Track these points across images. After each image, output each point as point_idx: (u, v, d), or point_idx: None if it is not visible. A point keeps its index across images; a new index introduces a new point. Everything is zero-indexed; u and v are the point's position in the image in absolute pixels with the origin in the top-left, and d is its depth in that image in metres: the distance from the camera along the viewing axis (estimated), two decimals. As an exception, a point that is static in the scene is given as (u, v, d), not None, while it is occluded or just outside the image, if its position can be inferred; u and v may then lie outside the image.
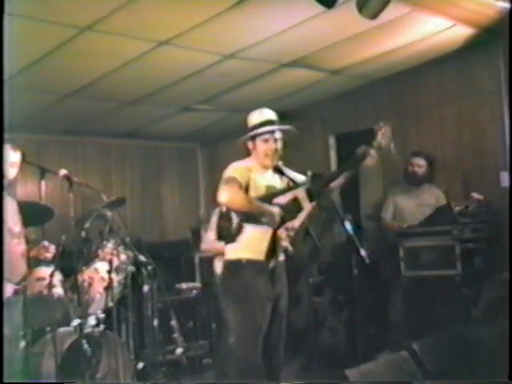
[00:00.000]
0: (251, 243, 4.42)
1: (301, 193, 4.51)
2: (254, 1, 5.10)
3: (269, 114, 4.69)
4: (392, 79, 7.59)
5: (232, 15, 5.30)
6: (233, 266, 4.50)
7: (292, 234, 4.45)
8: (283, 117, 4.82)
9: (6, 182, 4.53)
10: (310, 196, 4.50)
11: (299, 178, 4.67)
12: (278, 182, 4.65)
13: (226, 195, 4.40)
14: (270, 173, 4.63)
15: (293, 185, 4.63)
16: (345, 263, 6.68)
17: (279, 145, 4.60)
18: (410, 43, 6.52)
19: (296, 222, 4.46)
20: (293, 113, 8.51)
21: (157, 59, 6.10)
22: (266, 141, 4.57)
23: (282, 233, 4.44)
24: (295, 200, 4.49)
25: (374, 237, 7.38)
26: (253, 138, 4.60)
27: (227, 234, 4.51)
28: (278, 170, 4.68)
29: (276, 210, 4.38)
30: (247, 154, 4.67)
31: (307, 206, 4.49)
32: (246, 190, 4.45)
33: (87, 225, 5.38)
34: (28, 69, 5.84)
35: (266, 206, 4.40)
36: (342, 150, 8.55)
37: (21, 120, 6.91)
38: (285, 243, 4.46)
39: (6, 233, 4.30)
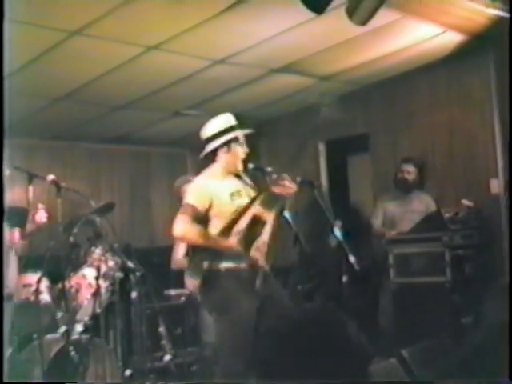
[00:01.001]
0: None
1: (257, 208, 4.48)
2: (243, 6, 5.10)
3: (229, 118, 4.70)
4: (383, 85, 7.60)
5: (222, 20, 5.31)
6: (211, 276, 4.45)
7: (265, 250, 4.41)
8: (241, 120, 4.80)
9: None
10: (268, 207, 4.47)
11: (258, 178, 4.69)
12: (240, 186, 4.64)
13: (179, 228, 4.41)
14: (231, 178, 4.64)
15: (253, 188, 4.66)
16: (334, 269, 6.66)
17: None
18: (400, 49, 6.53)
19: (263, 238, 4.43)
20: (283, 118, 8.56)
21: (147, 64, 6.10)
22: (239, 145, 4.60)
23: (254, 254, 4.41)
24: (255, 218, 4.46)
25: (364, 243, 7.37)
26: (225, 145, 4.59)
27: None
28: (237, 175, 4.70)
29: (233, 243, 4.35)
30: (211, 161, 4.67)
31: (269, 219, 4.46)
32: (209, 208, 4.42)
33: (75, 230, 5.35)
34: (17, 73, 5.80)
35: (222, 241, 4.37)
36: (333, 155, 8.55)
37: (9, 125, 6.88)
38: (261, 263, 4.43)
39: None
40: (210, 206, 4.43)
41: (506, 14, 5.77)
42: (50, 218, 5.15)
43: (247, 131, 4.69)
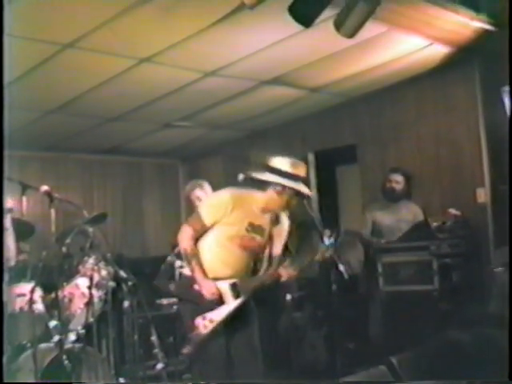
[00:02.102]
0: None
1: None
2: (234, 19, 5.15)
3: (303, 168, 4.53)
4: (370, 97, 7.67)
5: (212, 33, 5.35)
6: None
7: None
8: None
9: None
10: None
11: (283, 236, 4.66)
12: (272, 227, 4.60)
13: (180, 234, 4.52)
14: (266, 215, 4.56)
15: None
16: (324, 278, 6.72)
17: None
18: (387, 61, 6.59)
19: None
20: (273, 130, 8.61)
21: (138, 76, 6.14)
22: (294, 195, 4.45)
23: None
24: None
25: (353, 252, 7.43)
26: (284, 187, 4.40)
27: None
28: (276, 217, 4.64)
29: (208, 289, 4.39)
30: (254, 184, 4.56)
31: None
32: (218, 221, 4.44)
33: (68, 240, 5.39)
34: (10, 85, 5.85)
35: (204, 280, 4.40)
36: (322, 166, 8.61)
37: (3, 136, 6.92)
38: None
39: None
40: (216, 223, 4.45)
41: (490, 27, 5.88)
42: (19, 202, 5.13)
43: (307, 192, 4.50)
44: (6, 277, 4.63)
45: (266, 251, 4.59)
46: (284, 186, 4.37)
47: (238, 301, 4.43)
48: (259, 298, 4.61)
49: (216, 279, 4.42)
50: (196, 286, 4.40)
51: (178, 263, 5.55)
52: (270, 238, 4.60)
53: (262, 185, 4.47)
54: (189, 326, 4.46)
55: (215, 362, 4.43)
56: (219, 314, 4.40)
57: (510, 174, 5.39)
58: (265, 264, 4.58)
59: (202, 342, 4.40)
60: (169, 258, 6.07)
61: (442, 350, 4.65)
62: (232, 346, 4.50)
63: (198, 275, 4.40)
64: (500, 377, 3.83)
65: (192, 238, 4.46)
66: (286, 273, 4.50)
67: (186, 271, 4.58)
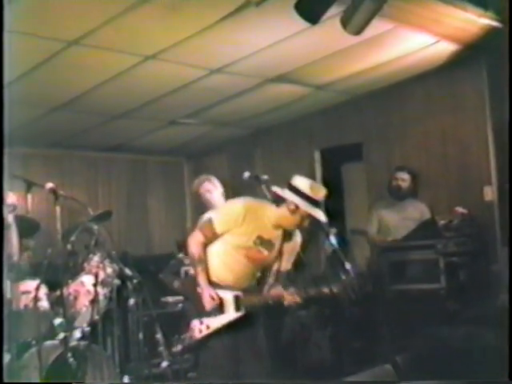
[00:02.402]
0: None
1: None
2: (239, 16, 5.14)
3: (323, 193, 4.43)
4: (377, 94, 7.65)
5: (218, 30, 5.34)
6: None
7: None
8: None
9: None
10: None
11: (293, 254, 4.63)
12: (280, 243, 4.51)
13: (190, 239, 4.50)
14: (276, 230, 4.48)
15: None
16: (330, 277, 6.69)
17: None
18: (394, 59, 6.57)
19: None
20: (278, 127, 8.60)
21: (143, 73, 6.12)
22: (308, 217, 4.35)
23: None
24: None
25: (359, 251, 7.42)
26: (298, 207, 4.30)
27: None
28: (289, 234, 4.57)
29: (208, 297, 4.36)
30: (271, 198, 4.50)
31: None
32: (227, 231, 4.41)
33: (73, 238, 5.39)
34: (15, 82, 5.84)
35: (205, 286, 4.38)
36: (327, 164, 8.59)
37: (7, 133, 6.91)
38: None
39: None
40: (231, 229, 4.40)
41: (498, 24, 5.84)
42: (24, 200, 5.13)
43: (321, 218, 4.37)
44: (11, 274, 4.61)
45: (275, 266, 4.54)
46: (298, 206, 4.30)
47: (239, 314, 4.41)
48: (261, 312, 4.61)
49: (218, 284, 4.41)
50: (199, 289, 4.39)
51: (187, 261, 5.54)
52: (280, 254, 4.54)
53: (279, 200, 4.38)
54: (185, 325, 4.44)
55: (206, 367, 4.44)
56: (217, 322, 4.37)
57: (510, 174, 5.37)
58: (271, 279, 4.54)
59: (194, 345, 4.42)
60: (180, 255, 6.07)
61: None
62: (228, 353, 4.46)
63: (202, 281, 4.38)
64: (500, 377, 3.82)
65: (201, 244, 4.44)
66: (291, 298, 4.44)
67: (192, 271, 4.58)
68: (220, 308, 4.38)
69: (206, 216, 4.69)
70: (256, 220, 4.38)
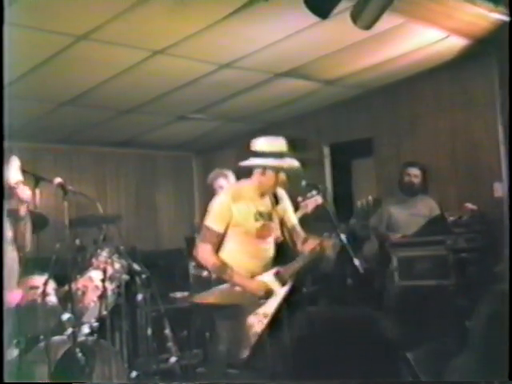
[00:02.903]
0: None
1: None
2: (249, 11, 5.12)
3: (283, 143, 4.53)
4: (387, 89, 7.63)
5: (227, 25, 5.33)
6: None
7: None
8: (292, 146, 4.68)
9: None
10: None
11: (289, 210, 4.65)
12: (274, 208, 4.59)
13: (201, 254, 4.55)
14: (263, 198, 4.59)
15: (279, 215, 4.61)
16: (339, 273, 6.68)
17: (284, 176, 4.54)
18: (404, 54, 6.56)
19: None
20: (288, 123, 8.57)
21: (152, 68, 6.12)
22: (278, 172, 4.49)
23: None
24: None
25: (368, 247, 7.39)
26: (263, 167, 4.48)
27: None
28: (274, 196, 4.65)
29: (256, 287, 4.37)
30: (246, 173, 4.63)
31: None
32: (227, 228, 4.46)
33: (81, 233, 5.39)
34: (23, 77, 5.84)
35: (247, 281, 4.40)
36: (337, 159, 8.57)
37: (16, 128, 6.91)
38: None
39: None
40: (227, 227, 4.47)
41: (508, 19, 5.80)
42: (32, 194, 5.15)
43: (291, 165, 4.52)
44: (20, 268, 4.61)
45: (285, 233, 4.57)
46: (265, 167, 4.44)
47: (286, 288, 4.39)
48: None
49: (253, 276, 4.40)
50: (237, 289, 4.35)
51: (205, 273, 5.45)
52: (281, 221, 4.61)
53: (249, 171, 4.55)
54: (242, 327, 4.37)
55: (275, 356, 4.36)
56: (270, 307, 4.36)
57: (510, 175, 5.34)
58: (291, 244, 4.57)
59: (260, 339, 4.34)
60: (194, 272, 6.02)
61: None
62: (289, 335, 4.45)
63: (239, 278, 4.39)
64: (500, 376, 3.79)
65: (214, 253, 4.46)
66: (328, 243, 4.47)
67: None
68: (267, 293, 4.37)
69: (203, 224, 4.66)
70: (245, 199, 4.49)
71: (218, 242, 4.48)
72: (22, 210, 4.89)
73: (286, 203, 4.71)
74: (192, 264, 6.11)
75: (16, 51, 4.70)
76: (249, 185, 4.57)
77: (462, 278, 6.18)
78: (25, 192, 4.84)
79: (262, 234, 4.51)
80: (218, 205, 4.56)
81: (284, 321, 4.38)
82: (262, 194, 4.56)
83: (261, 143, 4.51)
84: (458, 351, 4.47)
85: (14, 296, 4.50)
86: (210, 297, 4.47)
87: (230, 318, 4.44)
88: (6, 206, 4.63)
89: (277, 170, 4.46)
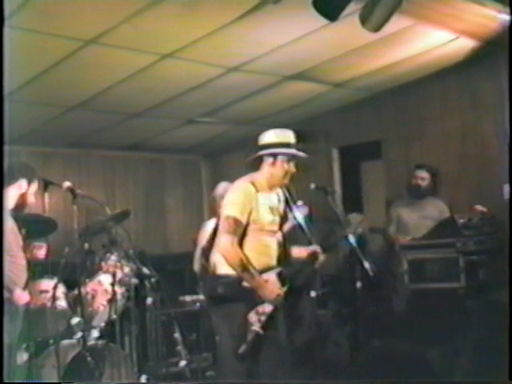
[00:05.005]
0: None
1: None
2: (257, 14, 5.12)
3: (291, 135, 4.53)
4: (395, 92, 7.61)
5: (235, 28, 5.33)
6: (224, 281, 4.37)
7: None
8: (300, 139, 4.66)
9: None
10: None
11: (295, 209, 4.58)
12: (279, 204, 4.54)
13: (223, 247, 4.30)
14: (273, 193, 4.53)
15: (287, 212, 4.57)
16: (348, 276, 6.66)
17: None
18: (413, 56, 6.54)
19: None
20: (296, 126, 8.56)
21: (161, 72, 6.13)
22: (288, 162, 4.43)
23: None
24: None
25: (378, 249, 7.38)
26: (274, 157, 4.43)
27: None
28: (281, 192, 4.60)
29: (271, 289, 4.28)
30: (255, 168, 4.52)
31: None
32: (248, 221, 4.34)
33: (90, 237, 5.39)
34: (33, 81, 5.86)
35: (261, 282, 4.28)
36: (346, 162, 8.56)
37: (25, 133, 6.94)
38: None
39: (11, 244, 4.32)
40: (249, 219, 4.33)
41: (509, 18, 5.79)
42: (48, 255, 5.23)
43: (301, 154, 4.48)
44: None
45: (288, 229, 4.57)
46: (274, 155, 4.40)
47: (284, 288, 4.37)
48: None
49: (262, 271, 4.35)
50: (245, 284, 4.30)
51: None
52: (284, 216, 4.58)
53: (258, 165, 4.48)
54: (241, 323, 4.28)
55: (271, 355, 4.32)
56: (269, 306, 4.29)
57: (510, 175, 5.32)
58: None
59: (257, 336, 4.26)
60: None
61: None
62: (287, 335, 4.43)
63: (258, 281, 4.27)
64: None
65: (237, 245, 4.28)
66: (319, 251, 4.44)
67: (227, 271, 4.41)
68: (277, 298, 4.29)
69: (223, 215, 4.44)
70: (263, 190, 4.42)
71: (240, 232, 4.31)
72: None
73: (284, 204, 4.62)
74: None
75: (25, 55, 4.73)
76: (260, 177, 4.46)
77: (473, 280, 6.15)
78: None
79: (272, 230, 4.44)
80: (241, 193, 4.38)
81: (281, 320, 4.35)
82: (271, 188, 4.48)
83: (269, 135, 4.49)
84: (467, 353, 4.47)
85: (22, 297, 4.51)
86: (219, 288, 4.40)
87: (230, 313, 4.36)
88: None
89: (288, 158, 4.41)
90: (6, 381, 3.93)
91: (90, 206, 5.55)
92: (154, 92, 6.81)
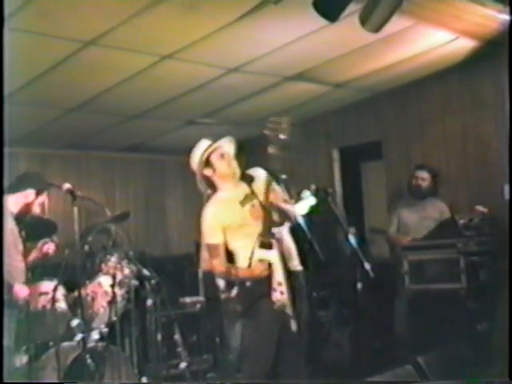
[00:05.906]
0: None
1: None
2: (257, 14, 5.11)
3: (205, 142, 4.66)
4: (396, 92, 7.61)
5: (235, 29, 5.32)
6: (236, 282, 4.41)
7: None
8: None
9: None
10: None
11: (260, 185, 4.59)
12: (247, 189, 4.58)
13: (215, 270, 4.49)
14: (237, 186, 4.60)
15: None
16: (349, 277, 6.65)
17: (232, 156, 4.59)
18: (413, 56, 6.53)
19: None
20: (296, 126, 8.55)
21: (160, 73, 6.12)
22: (222, 156, 4.58)
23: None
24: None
25: (379, 250, 7.37)
26: (207, 163, 4.61)
27: None
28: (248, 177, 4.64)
29: (258, 270, 4.30)
30: (211, 188, 4.73)
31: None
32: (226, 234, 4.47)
33: (90, 239, 5.38)
34: (32, 83, 5.86)
35: (247, 271, 4.33)
36: (346, 163, 8.55)
37: (24, 134, 6.93)
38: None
39: (10, 246, 4.31)
40: (225, 231, 4.48)
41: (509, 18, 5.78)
42: (57, 250, 5.25)
43: (216, 144, 4.61)
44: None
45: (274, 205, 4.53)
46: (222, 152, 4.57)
47: (274, 251, 4.36)
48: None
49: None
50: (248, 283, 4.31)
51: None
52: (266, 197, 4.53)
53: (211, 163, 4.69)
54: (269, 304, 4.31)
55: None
56: (279, 275, 4.31)
57: (511, 176, 5.31)
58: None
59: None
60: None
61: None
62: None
63: (242, 272, 4.34)
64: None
65: (224, 263, 4.43)
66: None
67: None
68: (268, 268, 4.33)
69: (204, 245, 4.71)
70: (225, 196, 4.59)
71: (225, 251, 4.44)
72: None
73: (261, 179, 4.62)
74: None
75: (24, 57, 4.72)
76: (218, 193, 4.67)
77: (474, 281, 6.14)
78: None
79: (255, 215, 4.46)
80: (206, 218, 4.67)
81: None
82: (233, 178, 4.59)
83: (195, 154, 4.77)
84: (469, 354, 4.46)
85: (22, 290, 4.53)
86: (234, 304, 4.41)
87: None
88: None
89: (217, 155, 4.58)
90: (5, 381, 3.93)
91: (89, 207, 5.54)
92: (153, 93, 6.80)
